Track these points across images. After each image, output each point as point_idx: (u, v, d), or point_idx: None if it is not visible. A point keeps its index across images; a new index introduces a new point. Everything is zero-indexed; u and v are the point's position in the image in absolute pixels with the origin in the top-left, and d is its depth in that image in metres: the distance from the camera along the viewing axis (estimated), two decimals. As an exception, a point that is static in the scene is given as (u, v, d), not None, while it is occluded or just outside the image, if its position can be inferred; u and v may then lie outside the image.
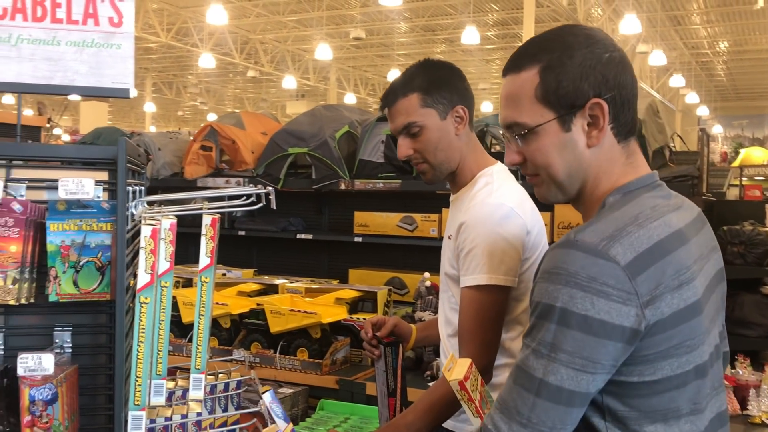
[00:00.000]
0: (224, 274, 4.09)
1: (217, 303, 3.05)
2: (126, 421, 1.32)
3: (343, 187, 4.65)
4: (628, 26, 12.83)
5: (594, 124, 1.21)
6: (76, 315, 1.49)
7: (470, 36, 14.05)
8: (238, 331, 3.11)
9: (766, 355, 3.60)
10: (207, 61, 17.43)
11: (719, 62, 20.85)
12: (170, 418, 1.55)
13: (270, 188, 1.44)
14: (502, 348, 1.83)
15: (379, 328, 2.05)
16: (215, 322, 3.08)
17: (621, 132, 1.23)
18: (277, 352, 2.89)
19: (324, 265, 5.23)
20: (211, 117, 28.89)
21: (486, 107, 22.27)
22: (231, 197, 1.64)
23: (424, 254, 4.36)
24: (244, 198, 1.66)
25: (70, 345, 1.48)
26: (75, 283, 1.34)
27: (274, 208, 1.39)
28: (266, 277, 4.01)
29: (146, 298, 1.30)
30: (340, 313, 3.02)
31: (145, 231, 1.30)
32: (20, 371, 1.27)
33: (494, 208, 1.77)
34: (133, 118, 30.47)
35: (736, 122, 25.73)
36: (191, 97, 26.51)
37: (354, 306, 3.20)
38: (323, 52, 16.21)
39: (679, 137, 4.88)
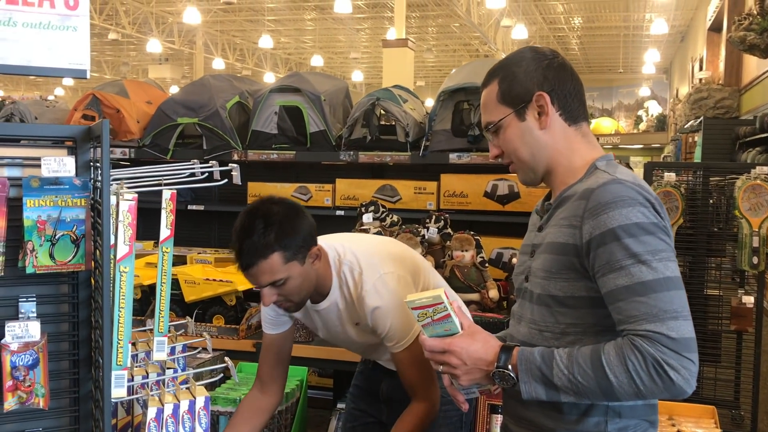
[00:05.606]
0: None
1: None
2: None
3: (235, 157, 4.70)
4: (493, 1, 13.41)
5: (542, 112, 1.53)
6: (38, 286, 1.56)
7: (342, 5, 14.13)
8: (148, 301, 3.16)
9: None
10: (64, 21, 16.40)
11: (573, 37, 22.10)
12: (132, 379, 1.66)
13: (234, 165, 1.57)
14: None
15: None
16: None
17: (569, 117, 1.55)
18: (193, 320, 2.97)
19: (215, 236, 5.28)
20: (67, 81, 27.24)
21: (357, 76, 22.40)
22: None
23: (318, 223, 4.50)
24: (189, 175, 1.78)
25: (35, 314, 1.55)
26: (51, 256, 1.42)
27: (239, 183, 1.52)
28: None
29: (125, 268, 1.41)
30: (253, 280, 3.16)
31: (123, 206, 1.41)
32: (7, 338, 1.34)
33: (378, 285, 2.04)
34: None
35: (587, 94, 27.35)
36: (44, 59, 24.81)
37: (264, 273, 3.34)
38: (191, 15, 15.74)
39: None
